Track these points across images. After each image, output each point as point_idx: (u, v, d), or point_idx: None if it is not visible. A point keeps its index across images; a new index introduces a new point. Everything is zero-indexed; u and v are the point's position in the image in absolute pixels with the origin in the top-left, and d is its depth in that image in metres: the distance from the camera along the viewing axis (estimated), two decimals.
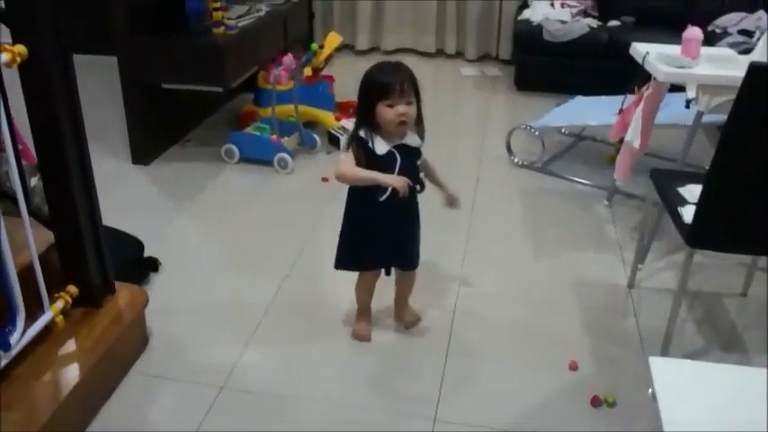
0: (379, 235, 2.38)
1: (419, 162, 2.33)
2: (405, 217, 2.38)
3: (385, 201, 2.27)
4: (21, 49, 1.94)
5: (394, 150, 2.25)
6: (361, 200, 2.36)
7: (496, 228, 3.43)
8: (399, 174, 2.24)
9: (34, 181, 2.62)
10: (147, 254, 2.95)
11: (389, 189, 2.23)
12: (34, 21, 2.00)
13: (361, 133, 2.26)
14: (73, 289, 2.31)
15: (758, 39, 4.37)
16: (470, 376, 2.42)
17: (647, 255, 3.08)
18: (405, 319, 2.66)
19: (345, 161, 2.27)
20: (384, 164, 2.25)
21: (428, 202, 2.46)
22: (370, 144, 2.25)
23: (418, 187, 2.33)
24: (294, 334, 2.61)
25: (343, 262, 2.49)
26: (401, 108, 2.20)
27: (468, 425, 2.20)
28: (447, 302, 2.80)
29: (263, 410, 2.24)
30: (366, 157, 2.26)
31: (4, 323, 2.05)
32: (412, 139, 2.31)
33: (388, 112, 2.20)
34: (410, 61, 6.50)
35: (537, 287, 2.94)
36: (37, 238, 2.12)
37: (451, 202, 2.47)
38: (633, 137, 3.09)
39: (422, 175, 2.37)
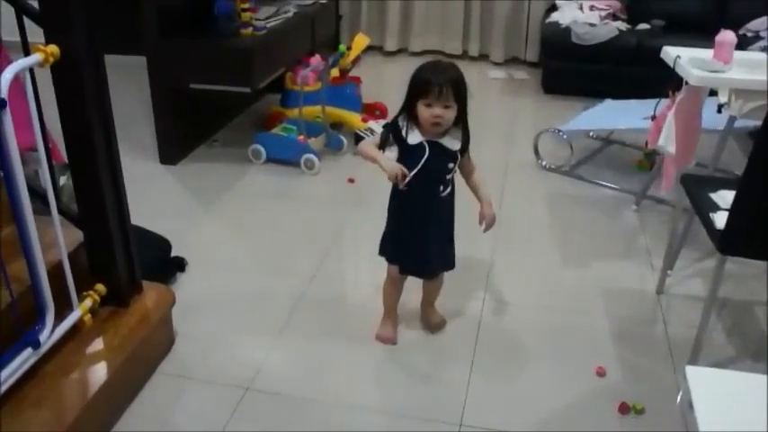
0: (403, 232, 2.42)
1: (452, 165, 2.34)
2: (428, 215, 2.38)
3: (406, 195, 2.31)
4: (53, 49, 1.95)
5: (425, 144, 2.28)
6: (392, 193, 2.41)
7: (523, 232, 3.41)
8: (423, 168, 2.27)
9: (63, 180, 2.65)
10: (173, 254, 2.96)
11: (407, 179, 2.25)
12: (68, 21, 2.01)
13: (400, 121, 2.31)
14: (101, 288, 2.32)
15: None
16: (496, 381, 2.40)
17: (675, 261, 3.04)
18: (431, 322, 2.65)
19: (369, 139, 2.46)
20: (413, 154, 2.28)
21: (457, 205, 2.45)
22: (404, 132, 2.29)
23: (441, 188, 2.33)
24: (320, 336, 2.60)
25: (381, 248, 2.52)
26: (437, 110, 2.22)
27: (494, 430, 2.19)
28: (473, 308, 2.79)
29: (287, 413, 2.24)
30: (398, 145, 2.31)
31: (33, 321, 2.06)
32: (450, 142, 2.32)
33: (424, 111, 2.24)
34: None
35: (564, 293, 2.92)
36: (66, 237, 2.13)
37: (481, 219, 2.41)
38: (666, 142, 3.05)
39: (457, 180, 2.39)
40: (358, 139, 4.27)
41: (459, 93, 2.25)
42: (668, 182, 3.14)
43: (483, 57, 6.37)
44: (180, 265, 2.94)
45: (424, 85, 2.23)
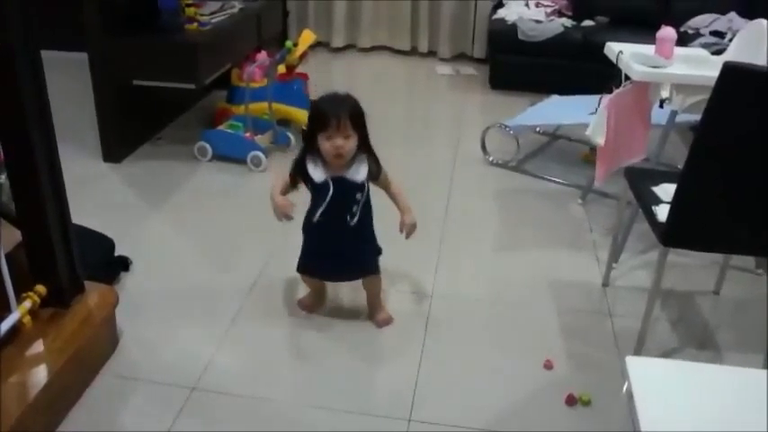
0: (317, 248, 2.56)
1: (360, 195, 2.42)
2: (338, 243, 2.50)
3: (316, 225, 2.45)
4: None
5: (329, 181, 2.38)
6: (307, 214, 2.51)
7: (471, 228, 3.42)
8: (330, 204, 2.39)
9: (1, 179, 2.58)
10: (117, 253, 2.91)
11: (318, 212, 2.42)
12: (2, 16, 1.96)
13: (307, 158, 2.40)
14: (41, 289, 2.26)
15: (730, 39, 4.41)
16: (445, 377, 2.40)
17: (621, 254, 3.09)
18: (376, 318, 2.66)
19: (277, 177, 2.48)
20: (318, 191, 2.41)
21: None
22: (310, 170, 2.39)
23: (349, 218, 2.43)
24: (267, 334, 2.58)
25: (299, 265, 2.64)
26: (338, 141, 2.31)
27: (444, 425, 2.19)
28: (421, 304, 2.79)
29: (235, 411, 2.22)
30: (305, 181, 2.43)
31: None
32: (356, 173, 2.40)
33: (325, 144, 2.32)
34: (385, 59, 6.55)
35: (512, 287, 2.94)
36: (4, 237, 2.08)
37: (402, 228, 2.50)
38: (595, 132, 3.08)
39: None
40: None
41: (358, 121, 2.34)
42: (600, 173, 3.17)
43: (431, 53, 6.39)
44: (124, 264, 2.90)
45: (322, 118, 2.31)
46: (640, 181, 2.63)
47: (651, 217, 2.41)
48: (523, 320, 2.72)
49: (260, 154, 3.90)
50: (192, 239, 3.23)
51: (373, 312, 2.67)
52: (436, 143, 4.49)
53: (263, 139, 4.05)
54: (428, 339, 2.58)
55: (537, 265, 3.10)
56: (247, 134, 3.96)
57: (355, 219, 2.44)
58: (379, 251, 2.61)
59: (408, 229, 2.49)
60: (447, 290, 2.89)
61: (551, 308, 2.80)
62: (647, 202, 2.48)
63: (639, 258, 3.14)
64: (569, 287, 2.94)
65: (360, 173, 2.40)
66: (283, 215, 2.43)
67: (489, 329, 2.67)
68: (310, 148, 2.39)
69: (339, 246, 2.50)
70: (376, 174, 2.44)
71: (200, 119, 4.60)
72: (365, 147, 2.40)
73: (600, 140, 3.06)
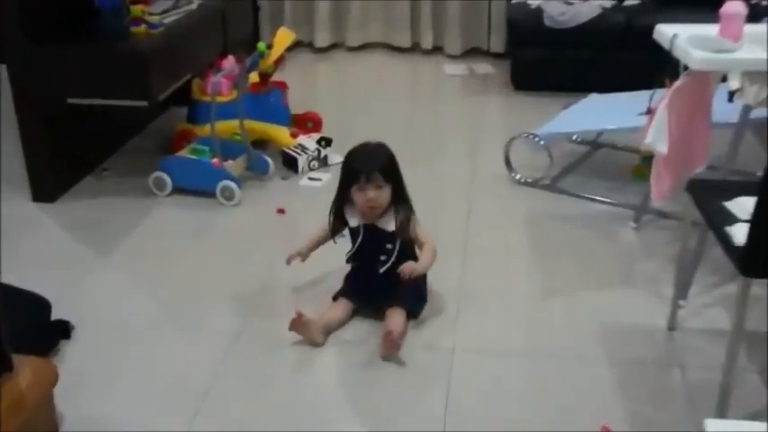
0: (353, 277, 3.06)
1: (390, 246, 2.91)
2: (369, 285, 2.97)
3: (353, 266, 3.04)
4: None
5: (360, 228, 2.94)
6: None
7: (497, 264, 3.40)
8: (358, 250, 2.96)
9: None
10: (55, 316, 2.88)
11: (349, 254, 3.00)
12: None
13: (345, 205, 2.96)
14: None
15: None
16: None
17: (689, 288, 3.05)
18: (382, 350, 2.78)
19: (320, 225, 3.07)
20: (351, 235, 2.99)
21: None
22: (347, 214, 2.97)
23: (379, 266, 2.91)
24: (246, 412, 2.55)
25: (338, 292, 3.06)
26: (370, 193, 2.84)
27: None
28: (440, 361, 2.76)
29: None
30: (341, 223, 3.01)
31: None
32: (387, 222, 2.92)
33: (358, 196, 2.88)
34: (381, 59, 6.58)
35: (552, 336, 2.91)
36: None
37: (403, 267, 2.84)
38: (655, 138, 3.05)
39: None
40: (286, 158, 4.23)
41: (390, 173, 2.88)
42: (659, 190, 3.14)
43: (437, 49, 6.41)
44: (64, 330, 2.87)
45: (352, 173, 2.87)
46: (708, 195, 2.60)
47: (725, 240, 2.36)
48: (569, 377, 2.68)
49: (232, 184, 3.87)
50: (149, 296, 3.20)
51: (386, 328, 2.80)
52: (448, 160, 4.47)
53: (235, 166, 4.03)
54: (450, 404, 2.54)
55: (582, 307, 3.07)
56: (215, 160, 3.94)
57: (384, 267, 2.90)
58: (421, 297, 3.01)
59: (406, 269, 2.81)
60: (472, 342, 2.86)
61: (604, 360, 2.76)
62: (718, 221, 2.44)
63: (713, 293, 3.11)
64: (626, 333, 2.91)
65: (392, 222, 2.91)
66: (290, 258, 3.06)
67: (526, 390, 2.63)
68: (345, 200, 2.94)
69: (372, 284, 2.96)
70: (404, 227, 2.90)
71: (156, 144, 4.59)
72: (399, 198, 2.91)
73: (663, 149, 3.02)
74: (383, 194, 2.85)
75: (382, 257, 2.91)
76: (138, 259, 3.46)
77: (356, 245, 2.94)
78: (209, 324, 2.99)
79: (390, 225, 2.91)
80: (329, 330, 2.89)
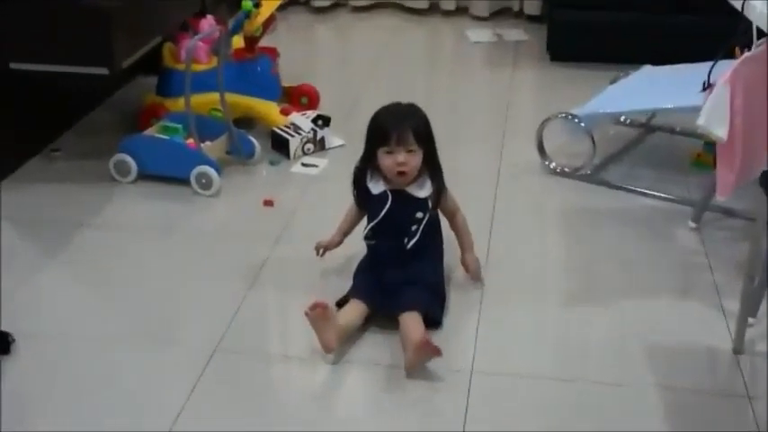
0: (369, 267, 3.12)
1: (421, 214, 3.01)
2: (395, 261, 3.04)
3: (372, 245, 3.10)
4: None
5: (388, 193, 3.02)
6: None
7: (525, 270, 3.40)
8: (383, 219, 3.01)
9: None
10: None
11: (370, 226, 3.05)
12: None
13: (367, 172, 3.06)
14: None
15: None
16: None
17: (760, 303, 3.02)
18: (407, 353, 2.79)
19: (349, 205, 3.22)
20: (376, 204, 3.04)
21: None
22: (368, 180, 3.06)
23: (406, 240, 3.01)
24: None
25: (347, 292, 3.06)
26: (400, 157, 2.93)
27: None
28: (456, 384, 2.75)
29: None
30: (361, 194, 3.12)
31: None
32: (419, 188, 3.03)
33: (386, 160, 2.96)
34: (392, 22, 6.59)
35: (591, 357, 2.92)
36: None
37: (466, 270, 3.20)
38: (710, 120, 3.01)
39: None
40: (276, 140, 4.21)
41: (423, 136, 2.98)
42: (724, 184, 3.11)
43: (461, 11, 6.44)
44: (2, 343, 2.85)
45: (382, 133, 2.95)
46: None
47: None
48: (612, 407, 2.66)
49: (209, 170, 3.87)
50: (108, 303, 3.21)
51: (407, 344, 2.79)
52: (470, 145, 4.47)
53: (214, 148, 4.02)
54: None
55: (628, 322, 3.06)
56: (190, 141, 3.94)
57: (413, 240, 3.00)
58: (439, 296, 3.06)
59: (474, 268, 3.17)
60: (493, 362, 2.86)
61: (654, 387, 2.74)
62: None
63: None
64: (682, 356, 2.90)
65: (424, 189, 3.03)
66: (319, 247, 3.23)
67: (560, 421, 2.61)
68: (370, 165, 3.04)
69: (392, 273, 3.02)
70: (438, 194, 3.04)
71: (119, 120, 4.60)
72: (431, 164, 3.03)
73: (721, 133, 2.98)
74: (415, 159, 2.95)
75: (413, 227, 3.01)
76: (94, 259, 3.45)
77: (383, 213, 3.00)
78: (180, 336, 2.99)
79: (422, 191, 3.03)
80: (344, 336, 2.87)
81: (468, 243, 3.21)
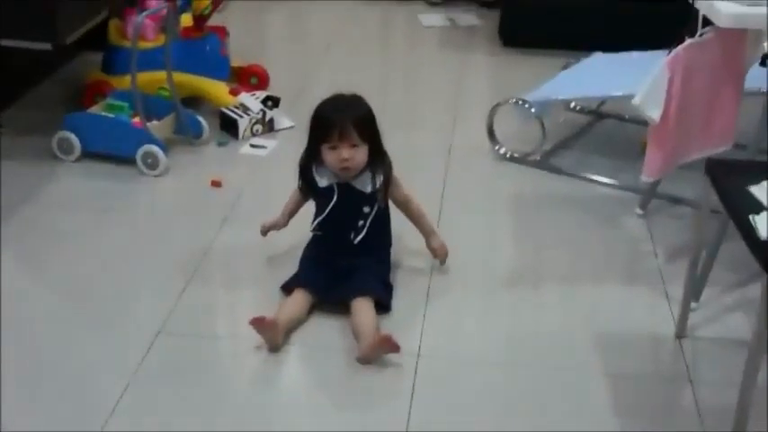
0: (315, 259, 3.10)
1: (368, 209, 3.01)
2: (341, 255, 3.04)
3: (318, 237, 3.10)
4: None
5: (335, 187, 2.99)
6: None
7: (474, 254, 3.40)
8: (332, 213, 3.00)
9: None
10: None
11: (317, 221, 3.05)
12: None
13: (313, 165, 3.02)
14: None
15: None
16: None
17: (703, 288, 3.06)
18: (362, 345, 2.77)
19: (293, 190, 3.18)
20: (321, 198, 3.04)
21: None
22: (314, 172, 3.03)
23: (352, 234, 3.02)
24: (169, 422, 2.52)
25: (288, 281, 3.06)
26: (344, 153, 2.90)
27: None
28: (403, 368, 2.75)
29: None
30: (307, 185, 3.08)
31: None
32: (365, 182, 3.00)
33: (329, 155, 2.93)
34: (345, 4, 6.55)
35: (539, 342, 2.91)
36: None
37: (434, 255, 3.23)
38: (645, 100, 3.05)
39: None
40: (224, 120, 4.21)
41: (367, 130, 2.94)
42: (651, 165, 3.15)
43: None
44: None
45: (324, 127, 2.92)
46: (730, 178, 2.61)
47: (748, 232, 2.37)
48: (558, 392, 2.68)
49: (156, 149, 3.86)
50: (48, 285, 3.19)
51: (362, 335, 2.78)
52: (421, 128, 4.49)
53: (160, 128, 4.01)
54: (413, 419, 2.53)
55: (576, 308, 3.09)
56: (136, 120, 3.92)
57: (360, 236, 3.01)
58: (387, 285, 3.06)
59: (442, 252, 3.21)
60: (440, 347, 2.87)
61: (600, 372, 2.76)
62: (741, 209, 2.44)
63: (731, 295, 3.13)
64: (626, 341, 2.92)
65: (370, 183, 2.99)
66: (264, 228, 3.20)
67: (503, 407, 2.62)
68: (314, 158, 3.00)
69: (339, 262, 3.03)
70: (386, 186, 3.02)
71: (62, 96, 4.57)
72: (378, 157, 3.00)
73: (654, 114, 3.03)
74: (359, 154, 2.92)
75: (360, 222, 3.01)
76: (34, 239, 3.43)
77: (329, 207, 2.99)
78: (124, 320, 2.96)
79: (368, 186, 3.00)
80: (289, 329, 2.86)
81: (428, 228, 3.21)
